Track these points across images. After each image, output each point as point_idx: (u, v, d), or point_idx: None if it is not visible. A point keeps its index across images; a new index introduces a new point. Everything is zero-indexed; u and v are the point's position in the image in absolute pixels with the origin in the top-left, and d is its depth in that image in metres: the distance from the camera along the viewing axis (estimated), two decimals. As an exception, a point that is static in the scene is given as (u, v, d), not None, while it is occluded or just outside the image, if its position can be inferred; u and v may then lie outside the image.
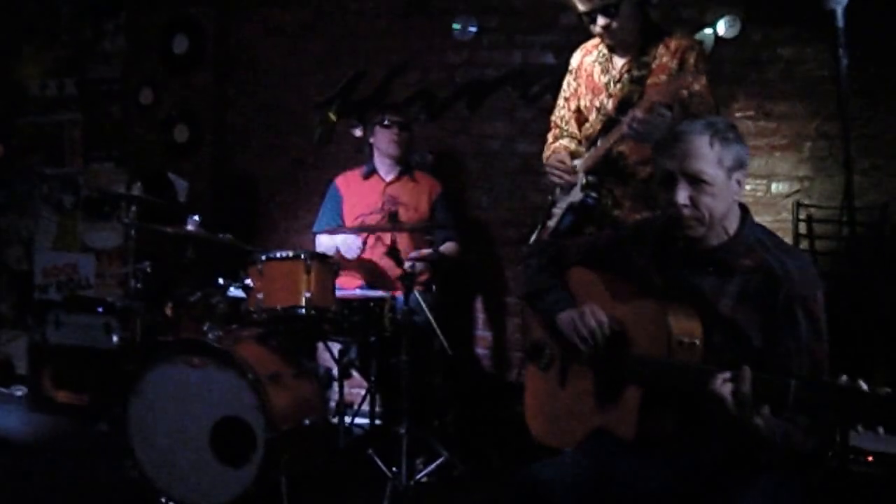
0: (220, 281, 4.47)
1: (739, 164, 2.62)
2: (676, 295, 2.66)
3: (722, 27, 5.17)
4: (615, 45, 3.95)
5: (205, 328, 4.27)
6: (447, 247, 5.27)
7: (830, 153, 5.06)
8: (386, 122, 5.27)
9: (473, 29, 5.77)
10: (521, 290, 3.19)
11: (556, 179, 4.06)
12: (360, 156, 5.73)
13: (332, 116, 6.10)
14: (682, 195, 2.58)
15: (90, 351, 5.69)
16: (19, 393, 6.33)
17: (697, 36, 5.11)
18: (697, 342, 2.55)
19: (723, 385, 2.32)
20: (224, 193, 6.46)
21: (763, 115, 5.18)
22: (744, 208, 2.72)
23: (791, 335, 2.52)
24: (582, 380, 2.88)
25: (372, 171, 5.38)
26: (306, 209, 6.04)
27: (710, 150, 2.57)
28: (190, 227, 4.60)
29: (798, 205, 5.01)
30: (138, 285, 4.81)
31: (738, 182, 2.64)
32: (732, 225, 2.67)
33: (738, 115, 5.17)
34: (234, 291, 4.54)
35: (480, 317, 5.84)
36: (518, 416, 3.23)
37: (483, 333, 5.83)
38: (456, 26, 5.80)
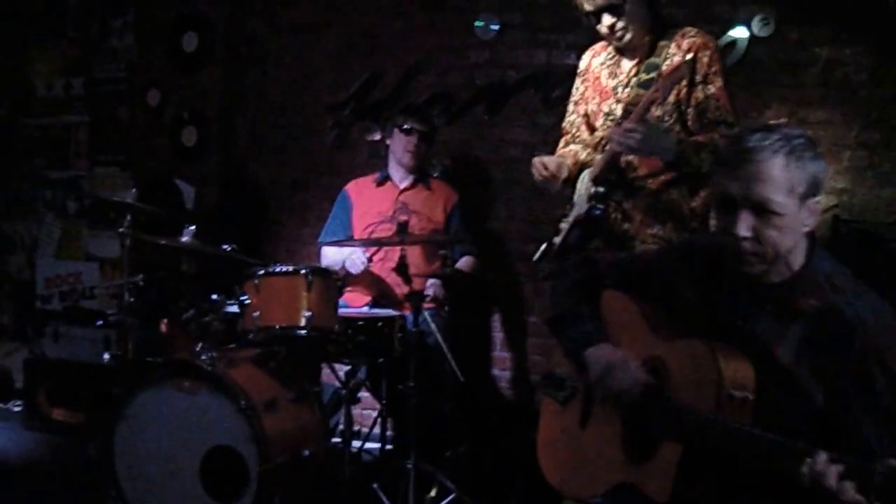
0: (215, 297, 4.15)
1: (815, 189, 2.23)
2: (726, 337, 2.29)
3: (755, 25, 4.84)
4: (622, 47, 3.66)
5: (197, 349, 3.97)
6: (464, 262, 4.98)
7: (871, 163, 4.73)
8: (406, 127, 4.95)
9: (495, 27, 5.46)
10: (545, 313, 2.82)
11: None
12: (375, 161, 5.49)
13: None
14: (744, 226, 2.20)
15: (87, 367, 5.46)
16: (17, 408, 6.08)
17: (729, 34, 4.85)
18: (750, 396, 2.19)
19: (804, 467, 1.96)
20: (232, 200, 6.20)
21: (798, 123, 4.80)
22: (811, 238, 2.32)
23: (864, 396, 2.13)
24: (608, 424, 2.54)
25: (386, 178, 5.10)
26: (318, 217, 5.73)
27: (783, 174, 2.18)
28: (185, 239, 4.29)
29: (837, 219, 4.65)
30: (131, 299, 4.52)
31: (811, 210, 2.24)
32: (798, 258, 2.29)
33: (771, 122, 4.76)
34: (231, 308, 4.22)
35: (498, 336, 5.53)
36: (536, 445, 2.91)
37: (501, 354, 5.51)
38: (478, 24, 5.49)
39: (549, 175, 3.73)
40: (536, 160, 3.81)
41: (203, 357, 3.89)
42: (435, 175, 5.31)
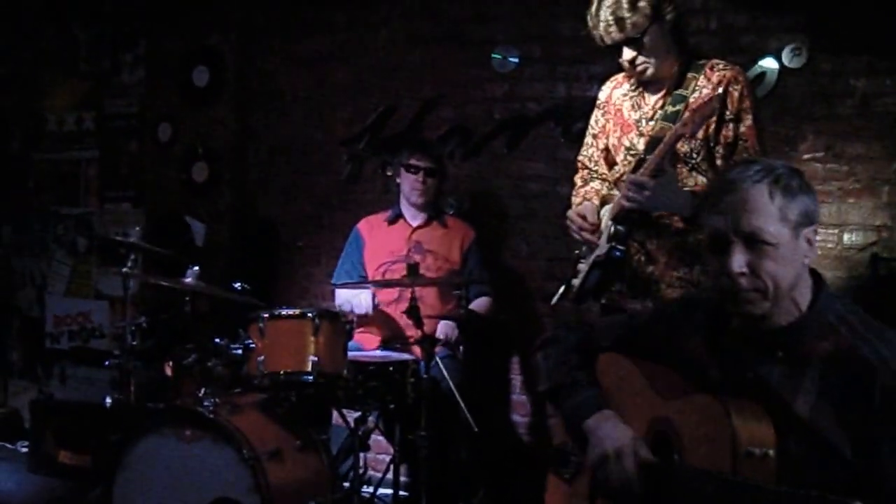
0: (218, 340, 4.00)
1: (808, 219, 2.09)
2: (738, 389, 2.12)
3: (786, 56, 4.65)
4: (654, 75, 3.45)
5: (200, 394, 3.82)
6: (480, 303, 4.82)
7: (911, 199, 4.54)
8: (411, 164, 4.81)
9: (514, 60, 5.31)
10: (541, 384, 2.63)
11: (576, 236, 3.57)
12: (389, 196, 5.33)
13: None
14: (738, 261, 2.06)
15: (93, 408, 5.30)
16: (24, 449, 5.93)
17: (759, 65, 4.68)
18: (770, 453, 1.98)
19: None
20: (243, 237, 6.07)
21: (834, 157, 4.63)
22: (817, 276, 2.18)
23: (893, 439, 1.95)
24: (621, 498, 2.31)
25: (398, 216, 4.96)
26: (331, 255, 5.60)
27: (770, 203, 2.05)
28: (188, 279, 4.14)
29: (875, 258, 4.46)
30: (134, 342, 4.39)
31: (808, 241, 2.10)
32: (805, 297, 2.13)
33: (805, 156, 4.64)
34: (236, 351, 4.07)
35: (517, 379, 5.33)
36: None
37: (520, 398, 5.32)
38: (496, 56, 5.35)
39: (590, 226, 3.52)
40: (572, 214, 3.60)
41: (205, 403, 3.77)
42: (450, 212, 5.16)
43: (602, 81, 4.97)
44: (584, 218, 3.53)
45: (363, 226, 5.03)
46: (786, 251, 2.05)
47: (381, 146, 5.69)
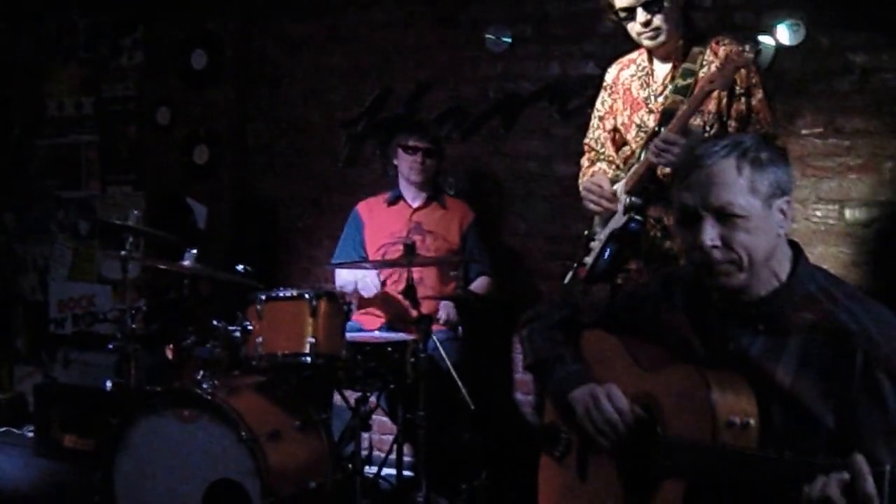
0: (216, 323, 4.01)
1: (780, 190, 2.11)
2: (720, 361, 2.14)
3: (783, 33, 4.61)
4: (654, 49, 3.49)
5: (198, 376, 3.82)
6: (479, 283, 4.83)
7: (915, 174, 4.52)
8: (409, 145, 4.81)
9: (507, 40, 5.29)
10: (526, 359, 2.66)
11: (593, 206, 3.57)
12: (388, 178, 5.34)
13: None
14: (710, 235, 2.09)
15: (97, 393, 5.30)
16: (30, 434, 5.96)
17: (757, 41, 4.58)
18: (752, 422, 2.02)
19: (826, 487, 1.80)
20: (244, 218, 6.08)
21: (834, 132, 4.60)
22: (795, 246, 2.20)
23: (875, 411, 1.97)
24: (607, 471, 2.36)
25: (397, 197, 4.96)
26: (330, 236, 5.59)
27: (737, 177, 2.09)
28: (186, 262, 4.15)
29: (879, 234, 4.46)
30: (133, 325, 4.40)
31: (782, 211, 2.12)
32: (783, 268, 2.15)
33: (804, 132, 4.62)
34: (235, 333, 4.08)
35: (519, 358, 5.30)
36: None
37: (523, 377, 5.31)
38: (489, 37, 5.33)
39: (607, 192, 3.52)
40: (588, 184, 3.61)
41: (203, 385, 3.76)
42: (450, 193, 5.16)
43: (595, 60, 5.00)
44: (599, 185, 3.54)
45: (362, 207, 5.03)
46: (758, 222, 2.07)
47: (378, 128, 5.69)
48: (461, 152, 5.39)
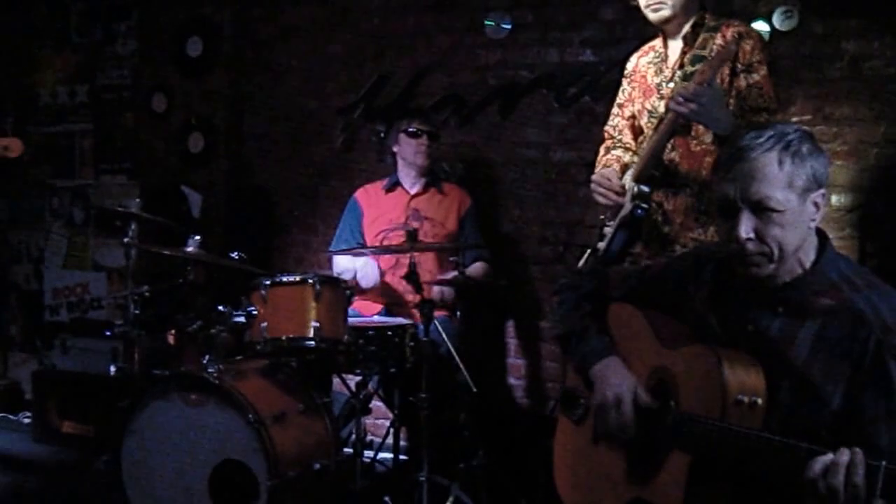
0: (221, 308, 4.04)
1: (816, 183, 2.15)
2: (736, 340, 2.20)
3: (778, 19, 4.66)
4: (661, 24, 3.53)
5: (204, 361, 3.86)
6: (476, 268, 4.86)
7: (901, 161, 4.56)
8: (412, 130, 4.85)
9: (507, 26, 5.30)
10: (554, 329, 2.73)
11: (602, 199, 3.63)
12: (384, 166, 5.38)
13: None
14: (745, 227, 2.13)
15: (96, 379, 5.37)
16: (27, 420, 6.00)
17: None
18: (759, 401, 2.09)
19: (826, 473, 1.85)
20: (240, 207, 6.09)
21: (823, 119, 4.66)
22: (822, 235, 2.24)
23: (881, 396, 2.03)
24: (616, 440, 2.45)
25: (395, 184, 4.99)
26: (326, 224, 5.67)
27: (778, 171, 2.11)
28: (190, 248, 4.19)
29: (864, 220, 4.52)
30: (136, 311, 4.43)
31: (816, 204, 2.16)
32: (808, 256, 2.20)
33: (794, 119, 4.64)
34: (238, 318, 4.11)
35: (513, 343, 5.39)
36: (552, 454, 2.80)
37: (515, 361, 5.37)
38: (488, 23, 5.34)
39: (615, 185, 3.58)
40: (598, 178, 3.65)
41: (210, 369, 3.80)
42: (447, 179, 5.19)
43: (594, 47, 5.03)
44: (608, 179, 3.59)
45: (360, 195, 5.05)
46: (792, 216, 2.12)
47: (375, 115, 5.70)
48: (459, 139, 5.41)
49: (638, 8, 3.57)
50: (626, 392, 2.38)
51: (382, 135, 5.54)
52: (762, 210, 2.11)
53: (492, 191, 5.39)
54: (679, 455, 2.18)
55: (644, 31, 4.02)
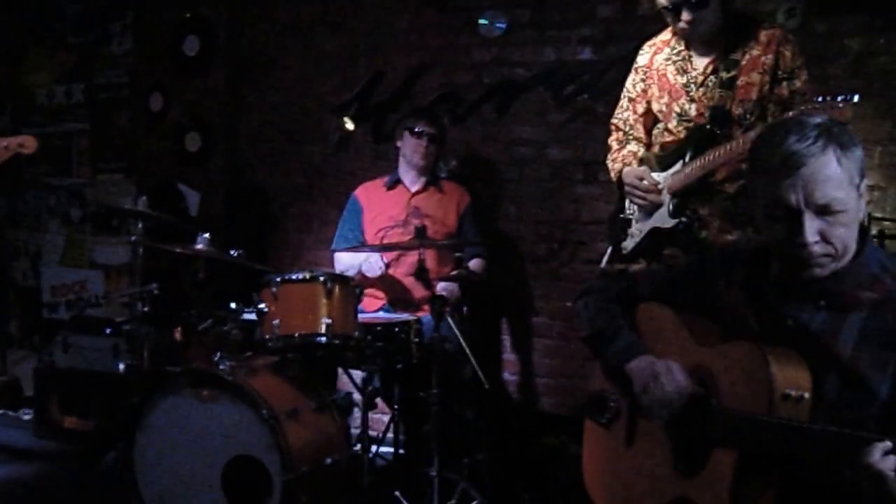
0: (233, 305, 4.11)
1: (862, 172, 2.14)
2: (775, 336, 2.19)
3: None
4: (693, 42, 3.55)
5: (215, 358, 3.91)
6: (474, 264, 4.92)
7: (905, 159, 4.56)
8: (417, 130, 4.90)
9: (502, 25, 5.33)
10: (582, 330, 2.72)
11: (640, 201, 3.65)
12: (379, 164, 5.44)
13: (348, 124, 5.70)
14: (811, 231, 2.08)
15: (98, 375, 5.39)
16: (27, 416, 6.02)
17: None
18: (806, 395, 2.08)
19: (883, 459, 1.86)
20: (236, 206, 6.12)
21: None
22: (862, 228, 2.21)
23: None
24: (655, 440, 2.45)
25: (396, 181, 5.04)
26: (322, 222, 5.73)
27: (839, 171, 2.08)
28: (200, 246, 4.24)
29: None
30: (145, 308, 4.48)
31: (862, 195, 2.16)
32: (851, 249, 2.17)
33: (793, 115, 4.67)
34: (247, 315, 4.18)
35: (507, 339, 5.44)
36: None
37: (510, 357, 5.42)
38: (483, 22, 5.36)
39: (651, 186, 3.59)
40: (631, 178, 3.65)
41: (222, 366, 3.85)
42: (444, 176, 5.24)
43: (592, 45, 5.02)
44: (641, 179, 3.61)
45: (361, 192, 5.09)
46: (853, 213, 2.11)
47: (370, 113, 5.72)
48: (454, 138, 5.39)
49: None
50: (674, 364, 2.35)
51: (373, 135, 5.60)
52: (828, 212, 2.08)
53: (488, 189, 5.41)
54: (724, 452, 2.17)
55: (643, 30, 4.06)
